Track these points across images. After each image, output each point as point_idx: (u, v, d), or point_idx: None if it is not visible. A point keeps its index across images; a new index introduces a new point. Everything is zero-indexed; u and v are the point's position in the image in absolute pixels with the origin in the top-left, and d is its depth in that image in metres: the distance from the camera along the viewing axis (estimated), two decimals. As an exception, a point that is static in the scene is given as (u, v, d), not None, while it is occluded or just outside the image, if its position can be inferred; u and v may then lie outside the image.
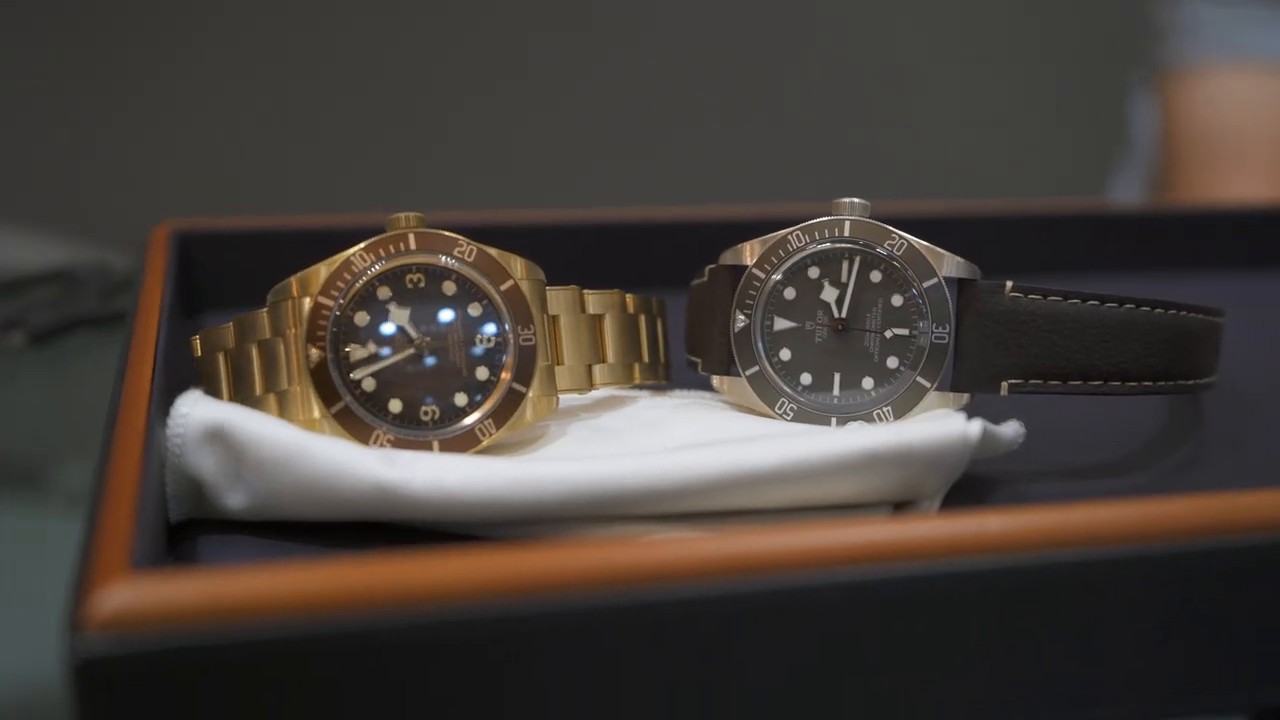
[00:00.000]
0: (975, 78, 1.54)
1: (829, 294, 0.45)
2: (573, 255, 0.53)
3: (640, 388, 0.48)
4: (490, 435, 0.42)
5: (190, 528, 0.40)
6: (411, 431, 0.41)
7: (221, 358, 0.43)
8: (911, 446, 0.39)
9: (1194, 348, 0.46)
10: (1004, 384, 0.44)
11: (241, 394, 0.42)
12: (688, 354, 0.48)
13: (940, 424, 0.39)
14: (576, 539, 0.38)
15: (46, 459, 0.64)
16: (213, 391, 0.43)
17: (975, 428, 0.40)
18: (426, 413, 0.42)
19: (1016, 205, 0.70)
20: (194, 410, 0.40)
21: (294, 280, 0.42)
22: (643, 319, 0.47)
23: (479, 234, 0.44)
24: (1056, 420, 0.47)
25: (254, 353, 0.42)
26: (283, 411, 0.42)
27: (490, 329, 0.42)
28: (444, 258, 0.42)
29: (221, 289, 0.60)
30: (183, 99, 1.10)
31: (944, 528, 0.33)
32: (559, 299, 0.44)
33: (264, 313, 0.42)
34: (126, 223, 0.61)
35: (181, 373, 0.45)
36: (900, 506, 0.40)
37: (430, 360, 0.42)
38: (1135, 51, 1.18)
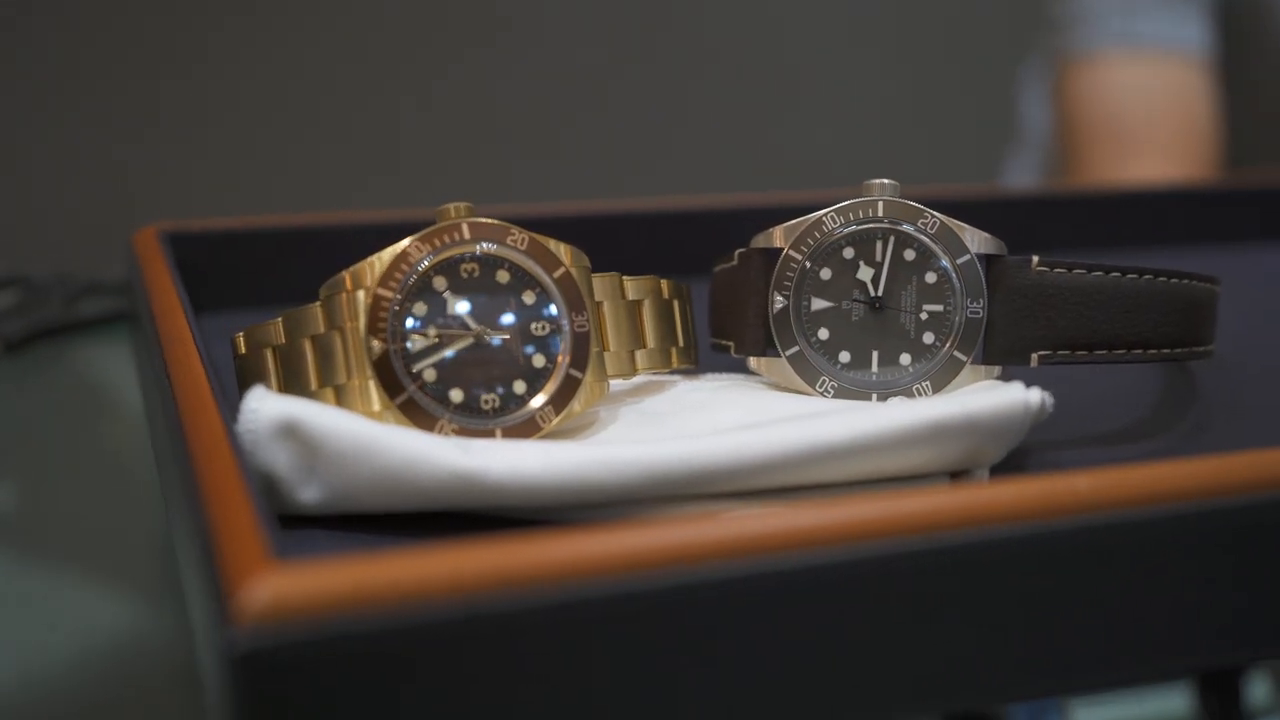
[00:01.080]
0: (866, 67, 1.57)
1: (864, 273, 0.46)
2: (586, 246, 0.53)
3: (675, 372, 0.48)
4: (550, 422, 0.42)
5: (259, 525, 0.40)
6: (474, 420, 0.42)
7: (270, 354, 0.43)
8: (977, 416, 0.40)
9: (1202, 315, 0.48)
10: (1034, 356, 0.45)
11: (295, 389, 0.42)
12: (714, 338, 0.49)
13: (1001, 393, 0.41)
14: (680, 515, 0.38)
15: (20, 471, 0.63)
16: (264, 386, 0.42)
17: (1035, 396, 0.41)
18: (487, 401, 0.42)
19: (928, 191, 0.72)
20: (264, 405, 0.39)
21: (346, 274, 0.42)
22: (676, 304, 0.47)
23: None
24: (1071, 390, 0.49)
25: (307, 347, 0.42)
26: (341, 405, 0.41)
27: (546, 316, 0.43)
28: (498, 246, 0.42)
29: (215, 287, 0.60)
30: (121, 106, 1.08)
31: (1038, 489, 0.35)
32: (602, 286, 0.45)
33: (317, 307, 0.42)
34: (75, 228, 0.60)
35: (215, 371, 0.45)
36: (954, 476, 0.42)
37: (488, 349, 0.42)
38: (1028, 40, 1.22)
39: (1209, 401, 0.52)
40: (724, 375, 0.49)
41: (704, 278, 0.51)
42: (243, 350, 0.44)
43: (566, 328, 0.43)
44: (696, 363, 0.49)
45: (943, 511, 0.34)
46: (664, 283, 0.47)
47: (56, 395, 0.65)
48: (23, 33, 1.04)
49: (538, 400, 0.42)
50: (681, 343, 0.47)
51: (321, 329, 0.42)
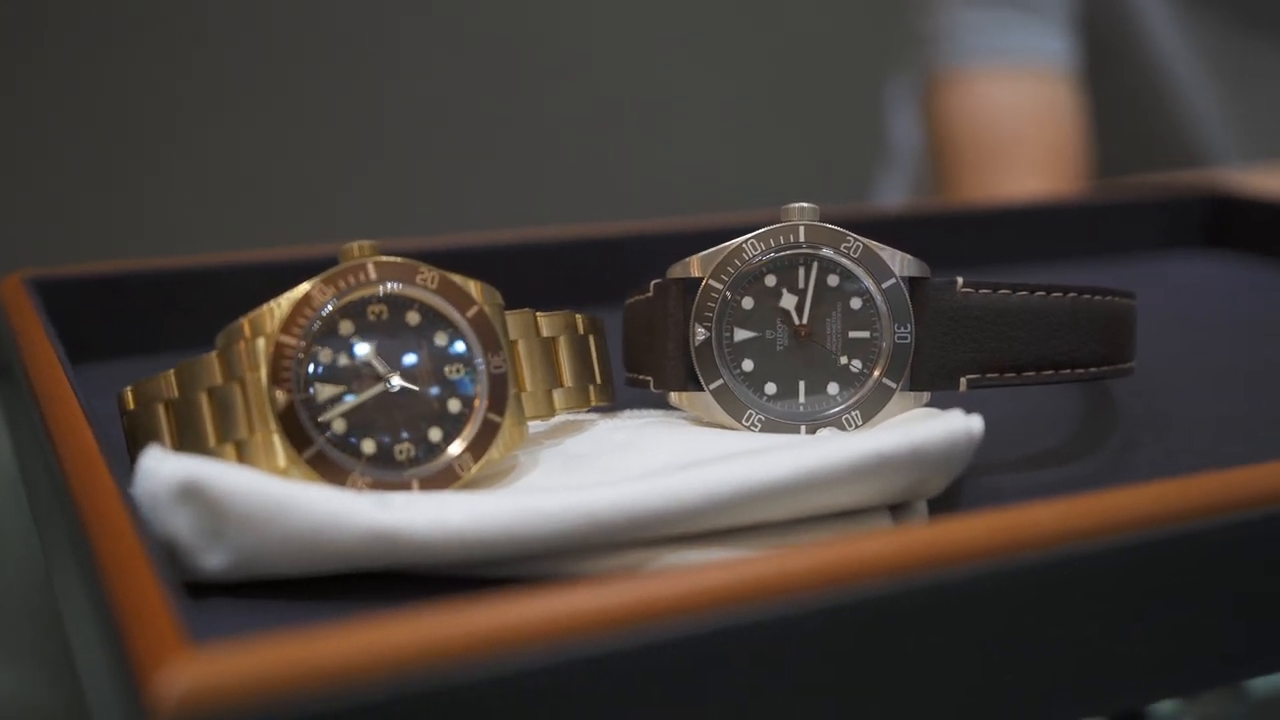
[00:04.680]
0: (732, 88, 1.56)
1: (788, 301, 0.44)
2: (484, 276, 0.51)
3: (594, 410, 0.46)
4: (469, 470, 0.40)
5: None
6: (388, 472, 0.39)
7: (162, 409, 0.40)
8: (921, 448, 0.38)
9: (1123, 332, 0.47)
10: (962, 380, 0.44)
11: (191, 447, 0.39)
12: (630, 373, 0.47)
13: (943, 423, 0.39)
14: (608, 567, 0.36)
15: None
16: (154, 444, 0.39)
17: (977, 423, 0.40)
18: (401, 450, 0.39)
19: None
20: (161, 466, 0.36)
21: (245, 321, 0.39)
22: (592, 339, 0.45)
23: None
24: (995, 412, 0.48)
25: (204, 401, 0.39)
26: (243, 462, 0.39)
27: (459, 358, 0.40)
28: (405, 286, 0.40)
29: (83, 339, 0.56)
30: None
31: (998, 523, 0.33)
32: (516, 323, 0.42)
33: (214, 356, 0.39)
34: None
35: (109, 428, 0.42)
36: (894, 509, 0.40)
37: (400, 395, 0.39)
38: (895, 57, 1.22)
39: (1132, 417, 0.51)
40: (645, 412, 0.47)
41: (612, 309, 0.49)
42: (131, 405, 0.40)
43: (482, 369, 0.40)
44: (614, 399, 0.47)
45: (909, 552, 0.32)
46: (579, 317, 0.45)
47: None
48: None
49: (455, 447, 0.40)
50: (599, 379, 0.45)
51: (219, 380, 0.39)
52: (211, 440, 0.39)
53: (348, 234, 0.70)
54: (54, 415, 0.40)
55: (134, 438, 0.40)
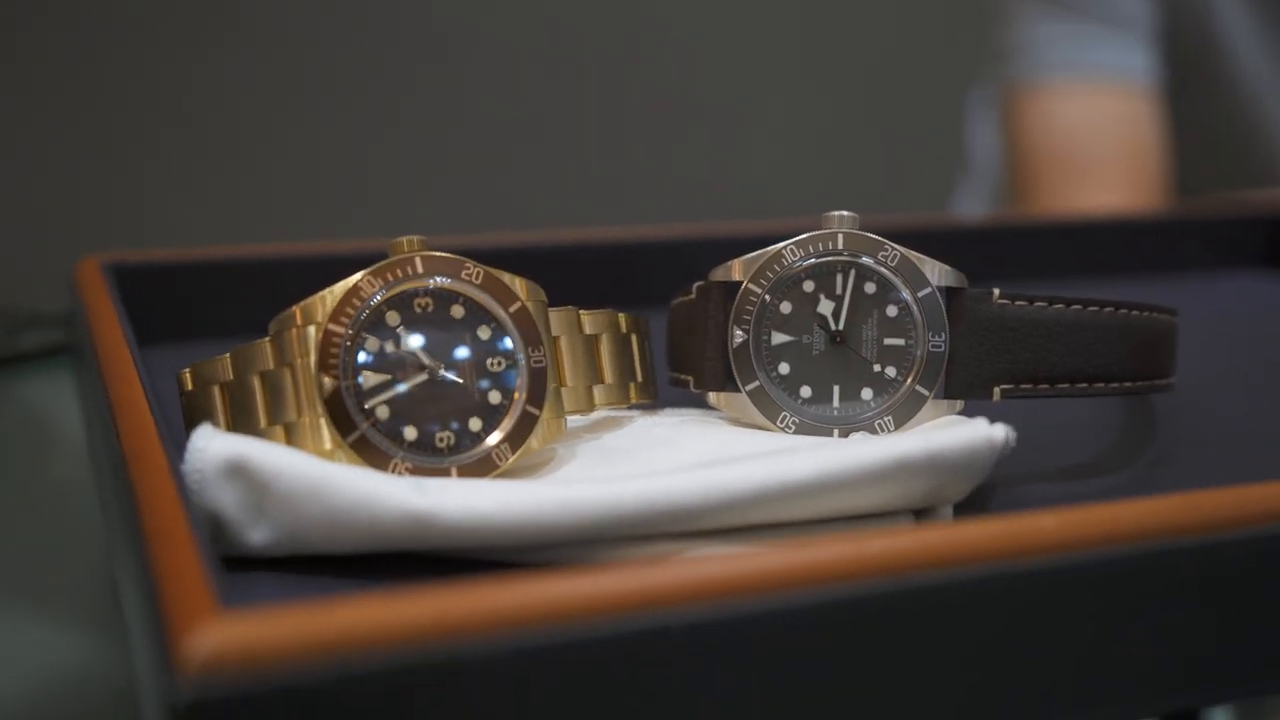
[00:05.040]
0: (814, 95, 1.57)
1: (825, 307, 0.45)
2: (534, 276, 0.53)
3: (635, 407, 0.48)
4: (506, 459, 0.41)
5: (205, 567, 0.39)
6: (428, 458, 0.41)
7: (218, 391, 0.42)
8: (941, 453, 0.39)
9: (1163, 347, 0.48)
10: (996, 389, 0.45)
11: (243, 427, 0.41)
12: (673, 372, 0.48)
13: (966, 430, 0.40)
14: (633, 558, 0.37)
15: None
16: (210, 425, 0.41)
17: (1000, 432, 0.40)
18: (442, 439, 0.41)
19: (883, 222, 0.72)
20: (211, 444, 0.38)
21: (297, 309, 0.41)
22: (634, 338, 0.47)
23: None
24: (1032, 424, 0.49)
25: (256, 384, 0.41)
26: (291, 443, 0.40)
27: (502, 351, 0.42)
28: (451, 280, 0.41)
29: (159, 319, 0.58)
30: (64, 136, 1.06)
31: (1004, 529, 0.34)
32: (558, 320, 0.44)
33: (267, 343, 0.41)
34: (16, 259, 0.59)
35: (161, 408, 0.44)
36: (919, 514, 0.41)
37: (443, 385, 0.41)
38: (975, 70, 1.22)
39: (1170, 434, 0.51)
40: (684, 410, 0.48)
41: (661, 310, 0.50)
42: (190, 386, 0.42)
43: (523, 363, 0.42)
44: (655, 398, 0.48)
45: (910, 552, 0.33)
46: (622, 317, 0.46)
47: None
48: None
49: (494, 437, 0.41)
50: (640, 378, 0.47)
51: (271, 365, 0.41)
52: (262, 422, 0.41)
53: (409, 229, 0.72)
54: (117, 393, 0.42)
55: (191, 417, 0.42)
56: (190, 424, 0.42)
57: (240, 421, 0.41)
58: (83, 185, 1.08)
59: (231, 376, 0.41)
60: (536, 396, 0.42)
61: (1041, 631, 0.34)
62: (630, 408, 0.47)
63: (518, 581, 0.30)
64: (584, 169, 1.33)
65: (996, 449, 0.40)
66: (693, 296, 0.47)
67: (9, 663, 0.47)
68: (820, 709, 0.32)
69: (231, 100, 1.12)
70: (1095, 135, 1.09)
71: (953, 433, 0.40)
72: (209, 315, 0.59)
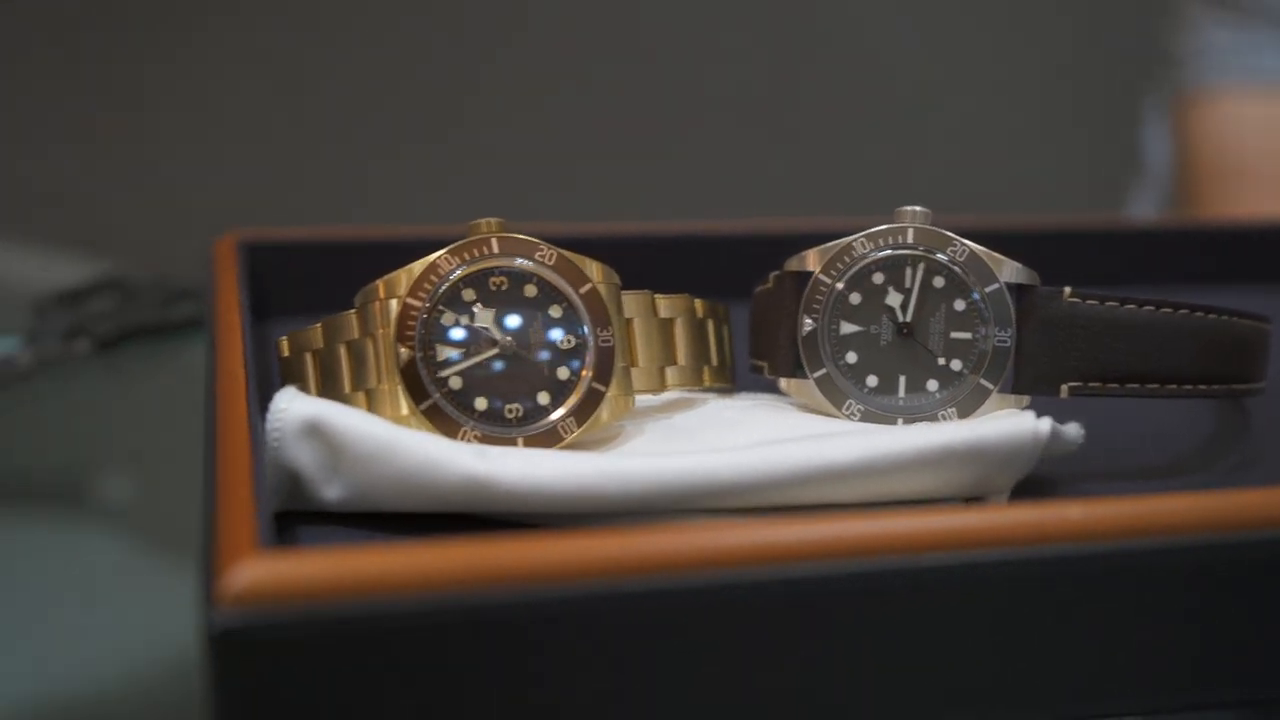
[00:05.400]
0: (992, 96, 1.55)
1: (893, 299, 0.46)
2: (636, 266, 0.54)
3: (709, 390, 0.49)
4: (572, 433, 0.43)
5: (288, 518, 0.42)
6: (497, 428, 0.43)
7: (309, 358, 0.45)
8: (985, 443, 0.40)
9: (1245, 352, 0.48)
10: (1064, 387, 0.45)
11: (330, 392, 0.44)
12: (752, 359, 0.50)
13: (1012, 421, 0.41)
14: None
15: (100, 465, 0.65)
16: (300, 390, 0.44)
17: (1045, 425, 0.41)
18: (511, 410, 0.43)
19: (1048, 221, 0.72)
20: (292, 405, 0.41)
21: (380, 283, 0.44)
22: (710, 324, 0.48)
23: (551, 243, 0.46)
24: (1109, 423, 0.49)
25: (343, 353, 0.44)
26: (371, 408, 0.43)
27: (571, 330, 0.44)
28: (525, 261, 0.44)
29: (284, 297, 0.62)
30: (212, 116, 1.12)
31: (1030, 515, 0.35)
32: (632, 302, 0.46)
33: (352, 314, 0.44)
34: (168, 236, 0.63)
35: (266, 373, 0.47)
36: (969, 504, 0.42)
37: (514, 360, 0.43)
38: (1150, 75, 1.20)
39: (1259, 440, 0.51)
40: (758, 396, 0.50)
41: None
42: (286, 353, 0.45)
43: (591, 342, 0.44)
44: (732, 382, 0.50)
45: (932, 533, 0.34)
46: (698, 302, 0.48)
47: (144, 392, 0.68)
48: (140, 42, 1.09)
49: (560, 411, 0.43)
50: (715, 362, 0.48)
51: (356, 335, 0.44)
52: (347, 387, 0.44)
53: (529, 216, 0.74)
54: (221, 358, 0.45)
55: (285, 381, 0.45)
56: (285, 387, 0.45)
57: (328, 386, 0.44)
58: (240, 166, 1.14)
59: (321, 345, 0.44)
60: (603, 374, 0.44)
61: (1061, 620, 0.35)
62: (705, 391, 0.49)
63: (519, 540, 0.32)
64: (724, 162, 1.34)
65: (1041, 441, 0.41)
66: (770, 285, 0.48)
67: (169, 613, 0.50)
68: (818, 683, 0.34)
69: (391, 89, 1.17)
70: (1265, 143, 1.07)
71: (999, 423, 0.41)
72: (335, 290, 0.62)
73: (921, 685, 0.35)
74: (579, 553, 0.32)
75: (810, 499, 0.40)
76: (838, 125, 1.33)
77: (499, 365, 0.43)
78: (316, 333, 0.45)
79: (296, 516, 0.42)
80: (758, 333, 0.49)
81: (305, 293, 0.63)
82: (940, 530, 0.34)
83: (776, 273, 0.48)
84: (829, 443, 0.40)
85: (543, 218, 0.75)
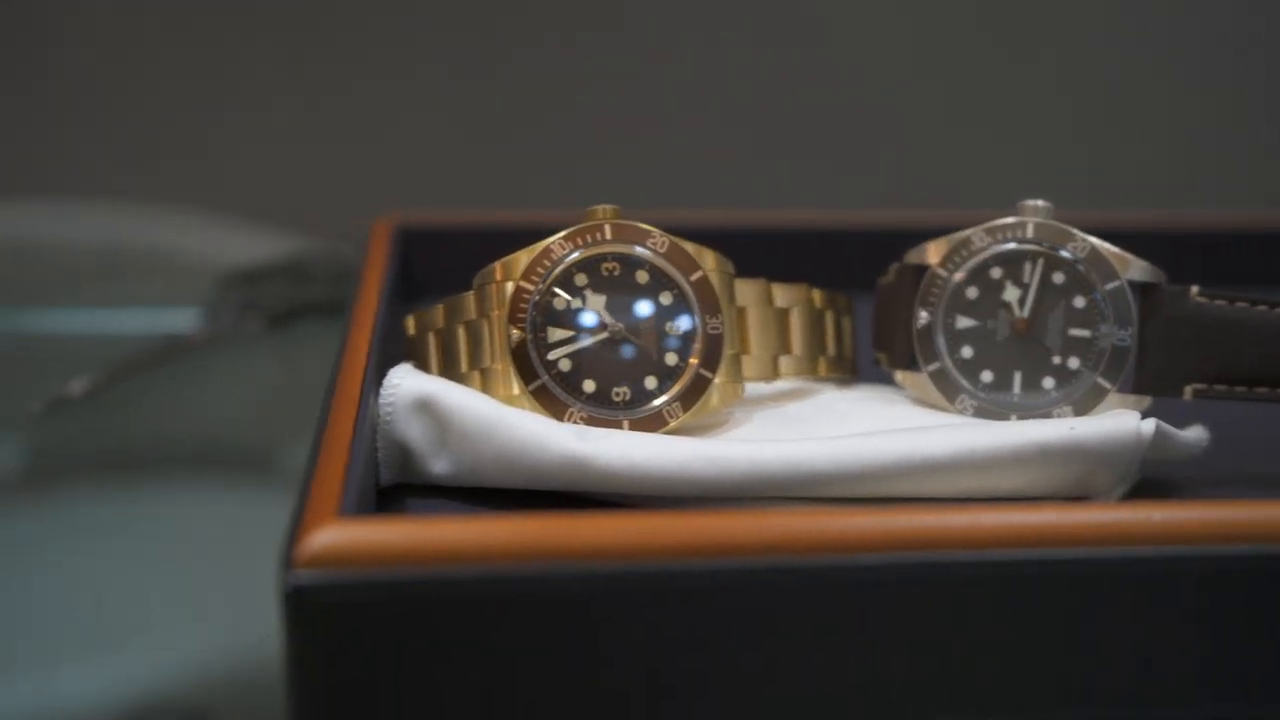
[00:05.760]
0: (1177, 87, 1.49)
1: (1011, 294, 0.46)
2: (762, 255, 0.55)
3: (825, 381, 0.49)
4: (677, 418, 0.44)
5: (399, 491, 0.44)
6: (603, 410, 0.44)
7: (432, 336, 0.46)
8: (1083, 441, 0.39)
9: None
10: (1188, 388, 0.44)
11: (449, 370, 0.45)
12: (874, 350, 0.50)
13: (1114, 421, 0.40)
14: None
15: (272, 439, 0.69)
16: (423, 368, 0.46)
17: (1149, 426, 0.40)
18: (618, 394, 0.44)
19: (1201, 218, 0.69)
20: (404, 381, 0.43)
21: (498, 265, 0.45)
22: (829, 314, 0.48)
23: (674, 231, 0.46)
24: (1244, 428, 0.47)
25: (461, 332, 0.45)
26: (485, 387, 0.44)
27: (680, 317, 0.44)
28: (638, 248, 0.44)
29: (439, 278, 0.64)
30: (403, 97, 1.16)
31: (1111, 515, 0.34)
32: (747, 291, 0.46)
33: (470, 295, 0.45)
34: (361, 215, 0.65)
35: (397, 351, 0.49)
36: (1070, 503, 0.41)
37: (623, 345, 0.44)
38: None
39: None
40: (875, 387, 0.50)
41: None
42: (411, 332, 0.47)
43: (700, 329, 0.44)
44: (853, 373, 0.50)
45: (1010, 528, 0.34)
46: (816, 293, 0.48)
47: (311, 368, 0.71)
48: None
49: (666, 396, 0.44)
50: (832, 352, 0.48)
51: (473, 315, 0.45)
52: (464, 366, 0.45)
53: (684, 203, 0.75)
54: (352, 336, 0.47)
55: (411, 359, 0.47)
56: (411, 365, 0.47)
57: (447, 365, 0.46)
58: (421, 150, 1.17)
59: (442, 324, 0.46)
60: (711, 361, 0.44)
61: (1139, 621, 0.34)
62: (821, 381, 0.49)
63: (590, 518, 0.33)
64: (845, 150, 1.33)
65: (1144, 442, 0.40)
66: (891, 277, 0.48)
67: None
68: (878, 671, 0.34)
69: (563, 78, 1.19)
70: None
71: (1100, 423, 0.40)
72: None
73: (1000, 678, 0.35)
74: (634, 532, 0.32)
75: (905, 491, 0.40)
76: (1009, 116, 1.30)
77: (608, 349, 0.44)
78: (439, 313, 0.46)
79: (407, 489, 0.44)
80: (878, 324, 0.49)
81: (458, 275, 0.65)
82: (1014, 526, 0.34)
83: (897, 264, 0.48)
84: (926, 436, 0.40)
85: (702, 204, 0.76)
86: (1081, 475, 0.40)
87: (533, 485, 0.42)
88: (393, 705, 0.32)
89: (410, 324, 0.47)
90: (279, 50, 1.14)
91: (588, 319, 0.44)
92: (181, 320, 0.70)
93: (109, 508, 0.61)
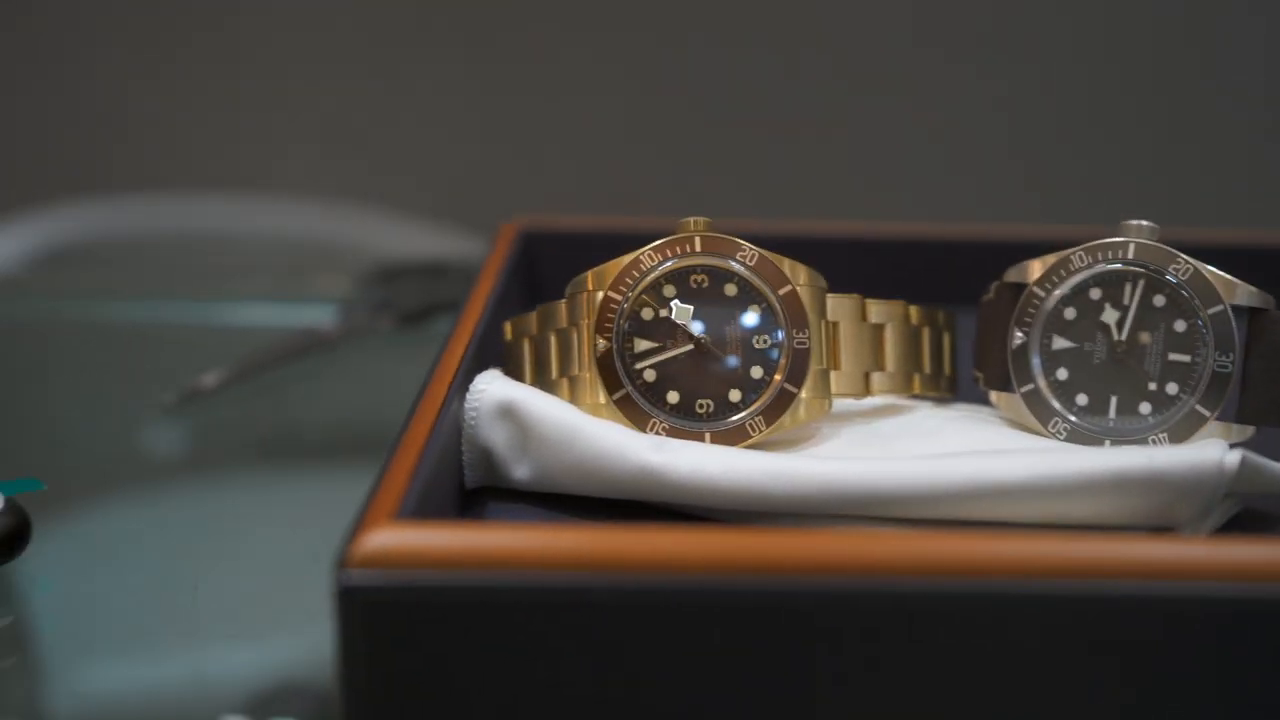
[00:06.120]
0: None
1: (1109, 316, 0.44)
2: (869, 268, 0.54)
3: (921, 398, 0.49)
4: (760, 431, 0.44)
5: (483, 494, 0.44)
6: (686, 422, 0.44)
7: (527, 343, 0.47)
8: (1161, 471, 0.38)
9: None
10: (1294, 419, 0.43)
11: (540, 376, 0.46)
12: (974, 369, 0.49)
13: (1196, 451, 0.39)
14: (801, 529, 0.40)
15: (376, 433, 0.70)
16: (517, 373, 0.47)
17: (1234, 458, 0.39)
18: (701, 405, 0.44)
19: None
20: (490, 387, 0.44)
21: (590, 274, 0.45)
22: (927, 331, 0.48)
23: (778, 242, 0.46)
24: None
25: (553, 339, 0.46)
26: (573, 395, 0.45)
27: (767, 331, 0.44)
28: (727, 261, 0.45)
29: (560, 283, 0.65)
30: (556, 97, 1.18)
31: (1167, 550, 0.33)
32: (840, 306, 0.46)
33: (562, 303, 0.46)
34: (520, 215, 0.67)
35: (499, 355, 0.50)
36: (1153, 535, 0.40)
37: (708, 357, 0.44)
38: None
39: None
40: (971, 406, 0.49)
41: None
42: (509, 337, 0.48)
43: (786, 343, 0.44)
44: (951, 391, 0.49)
45: (1053, 558, 0.33)
46: (913, 309, 0.47)
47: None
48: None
49: (750, 410, 0.44)
50: (928, 369, 0.48)
51: (564, 323, 0.46)
52: (554, 373, 0.46)
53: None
54: (451, 340, 0.48)
55: (508, 363, 0.48)
56: (507, 370, 0.48)
57: (539, 371, 0.46)
58: (561, 148, 1.19)
59: (536, 331, 0.47)
60: (796, 376, 0.44)
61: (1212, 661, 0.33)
62: (916, 398, 0.49)
63: (632, 532, 0.33)
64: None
65: (1227, 474, 0.39)
66: (992, 295, 0.48)
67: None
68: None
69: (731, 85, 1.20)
70: None
71: (1182, 452, 0.39)
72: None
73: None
74: (665, 546, 0.33)
75: (976, 515, 0.39)
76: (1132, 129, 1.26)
77: (693, 361, 0.44)
78: (533, 319, 0.47)
79: (491, 492, 0.44)
80: (979, 343, 0.49)
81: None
82: (1056, 554, 0.33)
83: (998, 282, 0.47)
84: (999, 460, 0.39)
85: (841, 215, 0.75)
86: (1161, 506, 0.39)
87: (608, 494, 0.42)
88: (438, 706, 0.33)
89: (508, 329, 0.48)
90: (452, 51, 1.17)
91: (674, 330, 0.44)
92: (323, 315, 0.72)
93: (248, 493, 0.63)
